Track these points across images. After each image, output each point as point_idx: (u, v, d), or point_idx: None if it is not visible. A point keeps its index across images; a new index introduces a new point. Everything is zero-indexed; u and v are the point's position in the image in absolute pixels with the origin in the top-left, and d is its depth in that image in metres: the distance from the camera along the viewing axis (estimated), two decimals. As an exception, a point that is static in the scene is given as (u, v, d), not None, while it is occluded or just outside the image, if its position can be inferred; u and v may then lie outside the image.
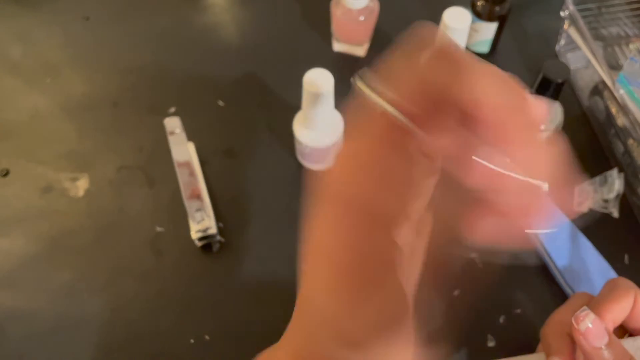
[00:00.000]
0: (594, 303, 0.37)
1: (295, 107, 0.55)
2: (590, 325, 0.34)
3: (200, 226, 0.52)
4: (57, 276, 0.53)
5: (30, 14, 0.71)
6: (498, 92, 0.18)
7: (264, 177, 0.58)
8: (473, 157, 0.20)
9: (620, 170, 0.54)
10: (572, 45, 0.64)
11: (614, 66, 0.62)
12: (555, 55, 0.66)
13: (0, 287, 0.52)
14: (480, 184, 0.20)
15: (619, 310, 0.37)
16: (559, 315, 0.39)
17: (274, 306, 0.51)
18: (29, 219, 0.56)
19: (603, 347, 0.33)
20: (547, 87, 0.50)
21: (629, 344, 0.37)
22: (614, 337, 0.34)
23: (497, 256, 0.52)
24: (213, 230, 0.52)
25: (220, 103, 0.63)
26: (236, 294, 0.51)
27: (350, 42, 0.65)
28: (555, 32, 0.66)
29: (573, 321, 0.34)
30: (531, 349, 0.48)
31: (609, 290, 0.38)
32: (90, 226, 0.55)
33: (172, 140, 0.55)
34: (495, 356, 0.47)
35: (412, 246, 0.22)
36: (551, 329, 0.39)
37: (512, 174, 0.20)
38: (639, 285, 0.48)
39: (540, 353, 0.39)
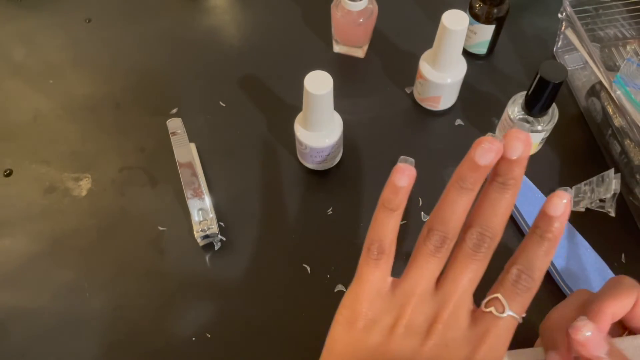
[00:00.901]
0: (595, 298, 0.38)
1: (296, 108, 0.55)
2: (589, 334, 0.33)
3: (202, 225, 0.53)
4: (59, 275, 0.53)
5: (32, 16, 0.72)
6: None
7: (265, 177, 0.59)
8: None
9: (617, 170, 0.54)
10: (569, 47, 0.64)
11: (611, 67, 0.62)
12: (552, 57, 0.67)
13: (3, 285, 0.53)
14: None
15: (619, 308, 0.37)
16: (558, 311, 0.40)
17: (274, 304, 0.52)
18: (32, 218, 0.56)
19: (604, 355, 0.33)
20: (544, 88, 0.51)
21: (628, 342, 0.37)
22: (613, 344, 0.34)
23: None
24: (214, 229, 0.53)
25: (222, 104, 0.64)
26: (237, 292, 0.52)
27: (349, 44, 0.66)
28: (552, 34, 0.66)
29: (571, 332, 0.34)
30: (529, 345, 0.49)
31: (612, 287, 0.38)
32: (92, 225, 0.56)
33: (174, 140, 0.55)
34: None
35: None
36: (550, 324, 0.39)
37: None
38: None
39: (538, 347, 0.40)
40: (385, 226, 0.36)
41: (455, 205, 0.33)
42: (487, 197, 0.34)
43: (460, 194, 0.33)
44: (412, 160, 0.36)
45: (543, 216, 0.35)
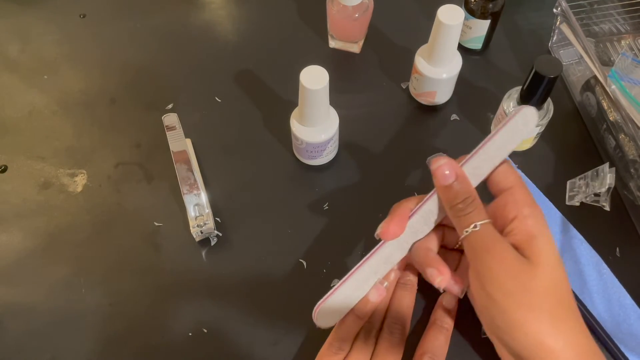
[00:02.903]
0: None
1: (292, 103, 0.55)
2: (442, 162, 0.42)
3: (198, 221, 0.53)
4: (55, 271, 0.53)
5: (26, 11, 0.71)
6: None
7: (261, 172, 0.59)
8: None
9: (612, 164, 0.55)
10: (564, 42, 0.64)
11: (606, 62, 0.63)
12: (547, 52, 0.67)
13: (-1, 282, 0.53)
14: None
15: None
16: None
17: (270, 300, 0.52)
18: (27, 214, 0.56)
19: (452, 182, 0.41)
20: (540, 83, 0.51)
21: (466, 166, 0.43)
22: (460, 171, 0.42)
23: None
24: (210, 224, 0.53)
25: (218, 99, 0.64)
26: (233, 288, 0.52)
27: (345, 39, 0.66)
28: (547, 29, 0.67)
29: (429, 163, 0.43)
30: None
31: None
32: (88, 221, 0.56)
33: (169, 136, 0.55)
34: (487, 345, 0.48)
35: None
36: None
37: None
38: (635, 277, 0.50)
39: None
40: (349, 329, 0.45)
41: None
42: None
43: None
44: (387, 284, 0.45)
45: (439, 308, 0.47)
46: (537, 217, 0.40)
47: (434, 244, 0.45)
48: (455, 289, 0.44)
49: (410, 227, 0.43)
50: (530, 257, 0.38)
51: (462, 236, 0.40)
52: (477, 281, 0.39)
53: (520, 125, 0.43)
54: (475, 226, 0.39)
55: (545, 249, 0.38)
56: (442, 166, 0.41)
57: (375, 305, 0.45)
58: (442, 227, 0.46)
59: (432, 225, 0.44)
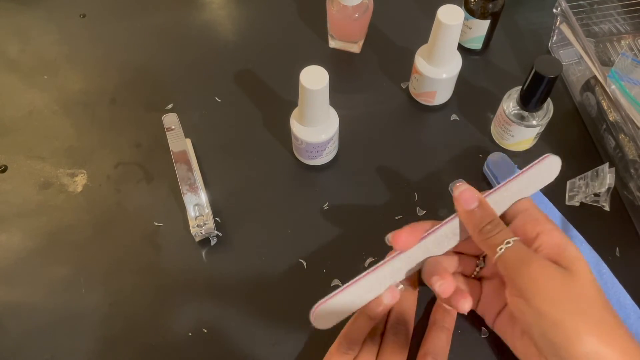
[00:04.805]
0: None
1: (292, 103, 0.55)
2: (463, 188, 0.42)
3: (198, 221, 0.53)
4: (55, 271, 0.53)
5: (26, 11, 0.71)
6: None
7: (261, 172, 0.59)
8: None
9: (612, 164, 0.55)
10: (564, 42, 0.64)
11: (606, 62, 0.63)
12: (547, 52, 0.67)
13: (-1, 282, 0.53)
14: None
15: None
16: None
17: (270, 299, 0.52)
18: (27, 214, 0.56)
19: (474, 207, 0.42)
20: (539, 83, 0.51)
21: (490, 197, 0.44)
22: (482, 198, 0.42)
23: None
24: (210, 225, 0.53)
25: (217, 100, 0.64)
26: (233, 288, 0.52)
27: (345, 39, 0.66)
28: (547, 29, 0.67)
29: (452, 190, 0.44)
30: None
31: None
32: (88, 221, 0.56)
33: (169, 136, 0.55)
34: (487, 346, 0.48)
35: None
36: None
37: None
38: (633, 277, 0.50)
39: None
40: (360, 329, 0.44)
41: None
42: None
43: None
44: (402, 287, 0.44)
45: (440, 308, 0.47)
46: (560, 230, 0.41)
47: (447, 263, 0.45)
48: (461, 303, 0.42)
49: (423, 246, 0.43)
50: (567, 266, 0.38)
51: (496, 256, 0.40)
52: (520, 299, 0.38)
53: (544, 172, 0.45)
54: (508, 242, 0.40)
55: (578, 257, 0.39)
56: (464, 192, 0.42)
57: (388, 308, 0.44)
58: (457, 254, 0.46)
59: (443, 250, 0.44)
